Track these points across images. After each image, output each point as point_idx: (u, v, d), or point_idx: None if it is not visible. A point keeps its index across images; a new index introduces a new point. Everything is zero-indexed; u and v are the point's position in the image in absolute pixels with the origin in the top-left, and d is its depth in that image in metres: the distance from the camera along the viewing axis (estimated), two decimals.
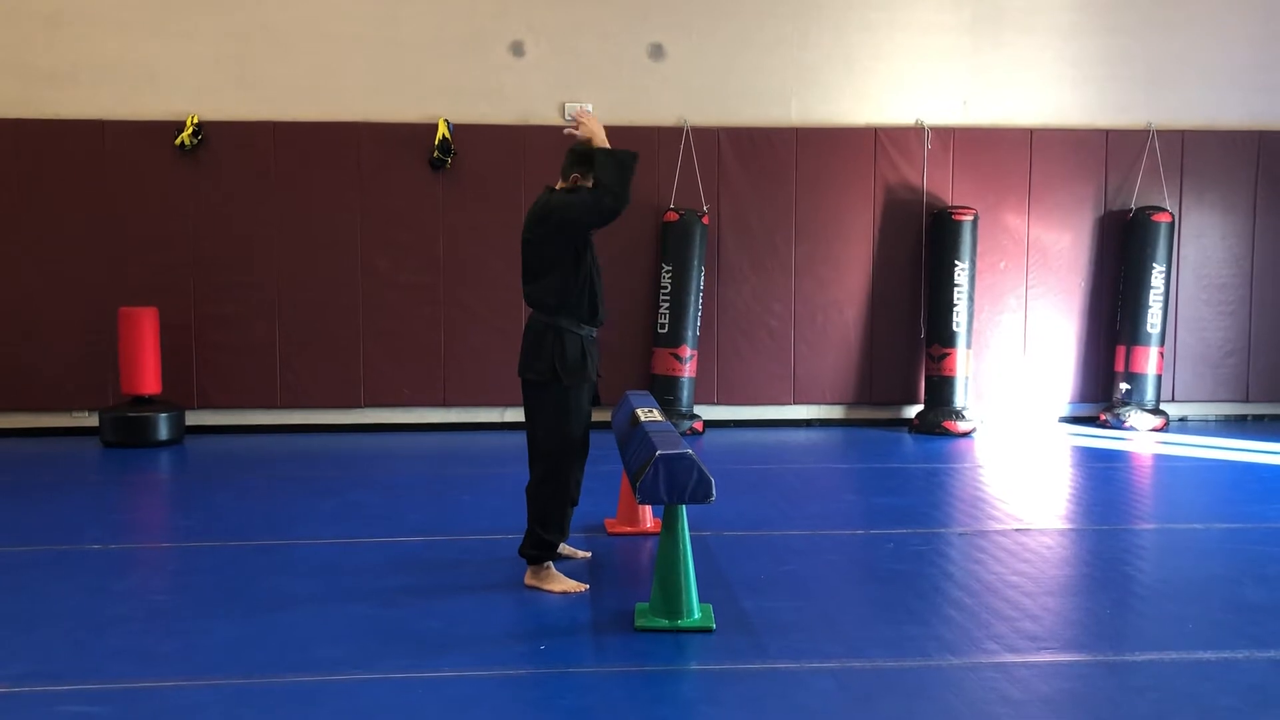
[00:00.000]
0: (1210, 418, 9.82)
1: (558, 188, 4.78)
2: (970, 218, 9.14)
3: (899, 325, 9.46)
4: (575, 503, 4.96)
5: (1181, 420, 9.73)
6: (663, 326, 9.01)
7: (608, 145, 4.61)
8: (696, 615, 4.27)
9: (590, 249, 4.74)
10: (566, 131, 4.83)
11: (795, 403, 9.46)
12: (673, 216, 8.98)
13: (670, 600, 4.24)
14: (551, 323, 4.68)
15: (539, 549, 4.76)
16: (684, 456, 4.16)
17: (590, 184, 4.64)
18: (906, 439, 8.87)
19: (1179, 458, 8.07)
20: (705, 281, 9.12)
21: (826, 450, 8.52)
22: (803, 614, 4.44)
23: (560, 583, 4.74)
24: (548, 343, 4.66)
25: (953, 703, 3.59)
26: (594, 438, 5.04)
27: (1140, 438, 8.86)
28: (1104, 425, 9.30)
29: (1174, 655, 3.99)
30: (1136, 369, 9.30)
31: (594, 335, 4.81)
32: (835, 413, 9.54)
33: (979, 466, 7.73)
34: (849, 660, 3.93)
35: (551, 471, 4.73)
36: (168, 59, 8.88)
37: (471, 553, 5.35)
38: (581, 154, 4.70)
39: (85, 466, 7.80)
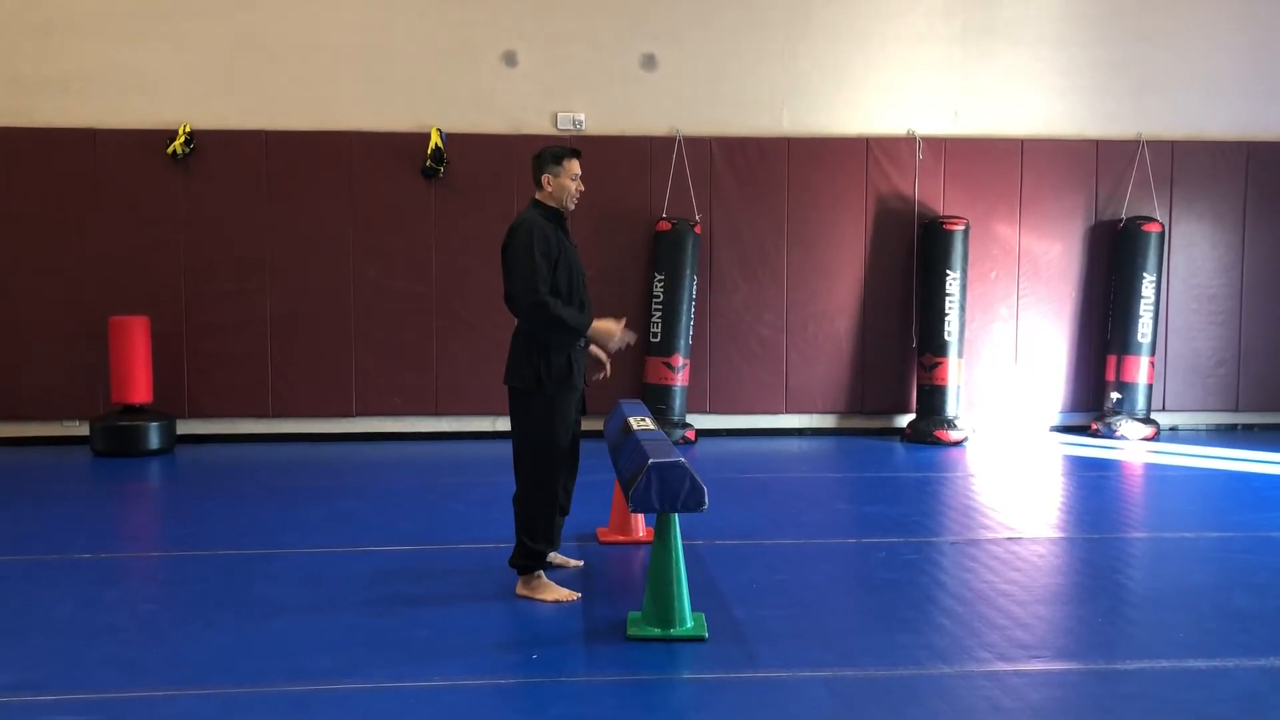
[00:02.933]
0: (1201, 427, 9.85)
1: (537, 196, 4.82)
2: (961, 227, 9.17)
3: (891, 334, 9.48)
4: (566, 512, 4.96)
5: (1172, 429, 9.75)
6: (655, 335, 9.01)
7: (597, 332, 4.74)
8: (689, 624, 4.27)
9: (567, 263, 4.73)
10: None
11: (787, 412, 9.46)
12: (665, 226, 8.99)
13: (662, 609, 4.23)
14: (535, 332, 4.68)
15: (528, 559, 4.75)
16: (677, 465, 4.16)
17: (548, 187, 4.76)
18: (898, 448, 8.88)
19: (1170, 467, 8.09)
20: (697, 291, 9.13)
21: (818, 459, 8.53)
22: (795, 623, 4.44)
23: (552, 591, 4.73)
24: (534, 351, 4.67)
25: (944, 711, 3.59)
26: (586, 447, 5.04)
27: (1131, 447, 8.88)
28: (1095, 434, 9.32)
29: (1165, 663, 3.99)
30: (1127, 378, 9.33)
31: (582, 345, 4.82)
32: (827, 422, 9.55)
33: (971, 475, 7.74)
34: (841, 669, 3.93)
35: (537, 480, 4.72)
36: (159, 68, 8.87)
37: (463, 562, 5.34)
38: (537, 156, 4.83)
39: (76, 476, 7.77)
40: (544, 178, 4.78)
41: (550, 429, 4.69)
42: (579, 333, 4.68)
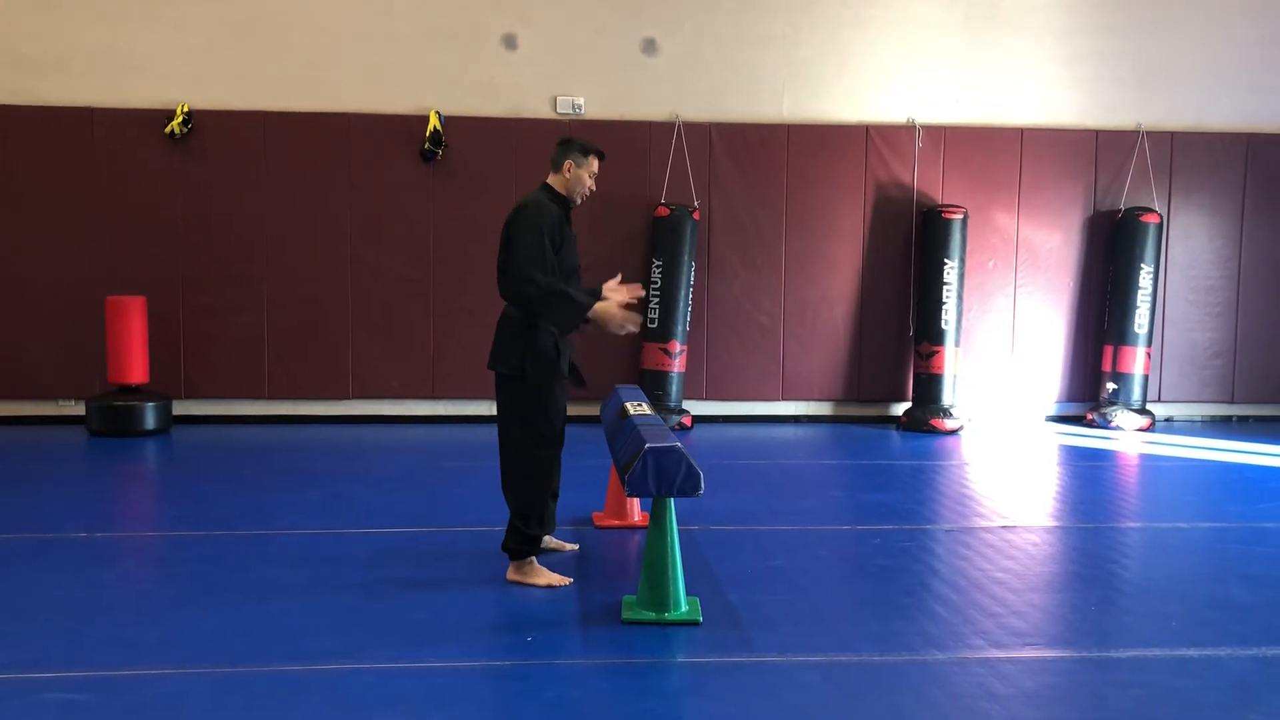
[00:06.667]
0: (1196, 418, 9.86)
1: (549, 180, 4.82)
2: (960, 216, 9.16)
3: (888, 322, 9.48)
4: (556, 496, 4.95)
5: (1167, 420, 9.77)
6: (652, 321, 9.01)
7: (598, 315, 4.68)
8: (683, 608, 4.28)
9: (565, 250, 4.72)
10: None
11: (784, 399, 9.47)
12: (664, 211, 8.98)
13: (657, 593, 4.25)
14: (523, 317, 4.68)
15: (523, 544, 4.75)
16: (673, 449, 4.17)
17: (567, 174, 4.78)
18: (894, 436, 8.89)
19: (1165, 457, 8.11)
20: (695, 277, 9.13)
21: (814, 446, 8.54)
22: (790, 608, 4.45)
23: (544, 576, 4.73)
24: (520, 336, 4.66)
25: (938, 697, 3.60)
26: (582, 431, 5.05)
27: (1126, 437, 8.89)
28: (1090, 425, 9.34)
29: (1158, 652, 4.01)
30: (1123, 369, 9.33)
31: (584, 328, 4.82)
32: (824, 409, 9.56)
33: (966, 464, 7.76)
34: (836, 654, 3.95)
35: (526, 466, 4.71)
36: (158, 47, 8.84)
37: (459, 545, 5.35)
38: (565, 142, 4.85)
39: (71, 456, 7.77)
40: (567, 163, 4.79)
41: (539, 415, 4.68)
42: (582, 311, 4.66)
